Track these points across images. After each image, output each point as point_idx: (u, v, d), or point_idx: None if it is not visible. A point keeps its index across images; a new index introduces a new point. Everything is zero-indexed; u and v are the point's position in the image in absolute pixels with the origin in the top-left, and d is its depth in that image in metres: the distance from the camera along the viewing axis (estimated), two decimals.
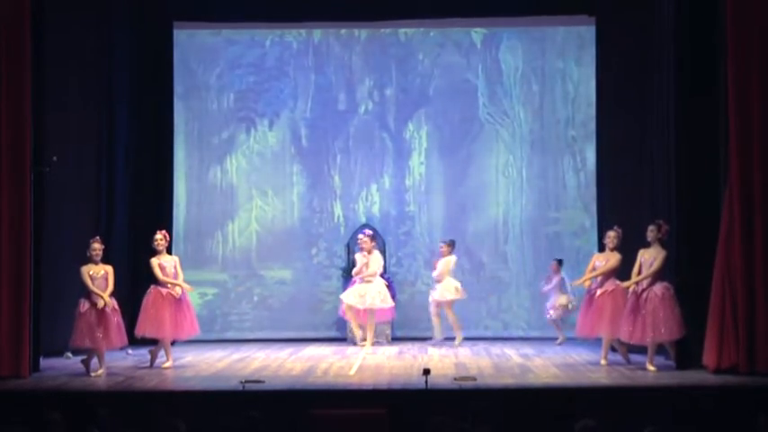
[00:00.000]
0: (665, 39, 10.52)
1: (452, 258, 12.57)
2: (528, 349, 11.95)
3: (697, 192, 10.05)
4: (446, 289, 12.46)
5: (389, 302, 12.13)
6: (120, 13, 12.58)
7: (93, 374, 9.83)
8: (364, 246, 12.08)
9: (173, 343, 10.74)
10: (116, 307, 10.12)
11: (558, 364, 10.53)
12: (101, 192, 12.19)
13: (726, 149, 9.55)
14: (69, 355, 10.98)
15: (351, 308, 11.98)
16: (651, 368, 9.78)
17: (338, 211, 13.76)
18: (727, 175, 9.47)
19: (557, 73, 13.68)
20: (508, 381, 9.34)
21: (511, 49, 13.73)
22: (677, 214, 10.21)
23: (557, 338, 12.48)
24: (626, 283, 10.08)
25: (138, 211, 12.67)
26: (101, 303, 9.90)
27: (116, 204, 12.39)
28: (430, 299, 12.64)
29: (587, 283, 10.54)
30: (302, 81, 13.79)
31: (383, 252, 12.83)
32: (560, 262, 12.76)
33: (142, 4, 12.95)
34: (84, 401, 8.41)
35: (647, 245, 10.02)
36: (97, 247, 10.12)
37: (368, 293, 11.88)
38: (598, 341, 10.73)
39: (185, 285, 10.66)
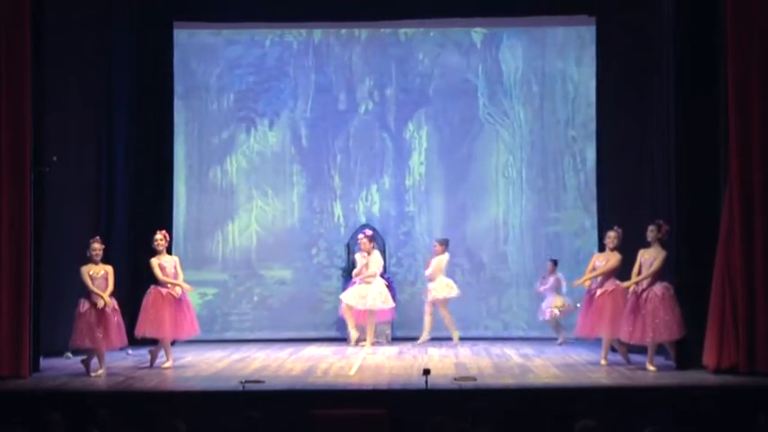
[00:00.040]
0: (665, 39, 10.51)
1: (445, 257, 12.57)
2: (528, 349, 11.95)
3: (697, 192, 10.05)
4: (439, 287, 12.46)
5: (390, 303, 12.13)
6: (120, 13, 12.58)
7: (93, 374, 9.83)
8: (363, 247, 12.08)
9: (173, 343, 10.74)
10: (116, 307, 10.12)
11: (558, 364, 10.53)
12: (101, 192, 12.19)
13: (726, 149, 9.54)
14: (69, 355, 10.98)
15: (350, 308, 11.97)
16: (651, 368, 9.78)
17: (338, 211, 13.76)
18: (727, 175, 9.47)
19: (557, 73, 13.68)
20: (508, 381, 9.34)
21: (511, 49, 13.74)
22: (677, 214, 10.21)
23: (557, 339, 12.47)
24: (626, 284, 10.08)
25: (138, 211, 12.67)
26: (101, 303, 9.89)
27: (116, 204, 12.39)
28: (424, 298, 12.64)
29: (587, 284, 10.54)
30: (302, 81, 13.80)
31: (383, 252, 12.84)
32: (555, 262, 12.76)
33: (142, 4, 12.95)
34: (84, 401, 8.41)
35: (647, 245, 10.01)
36: (97, 247, 10.11)
37: (368, 294, 11.88)
38: (598, 341, 10.73)
39: (185, 285, 10.66)
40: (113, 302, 10.07)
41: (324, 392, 8.91)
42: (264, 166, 13.81)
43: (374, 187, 13.79)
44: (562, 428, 7.02)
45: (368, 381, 9.49)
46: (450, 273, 13.24)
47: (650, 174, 11.21)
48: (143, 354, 11.08)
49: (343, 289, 12.69)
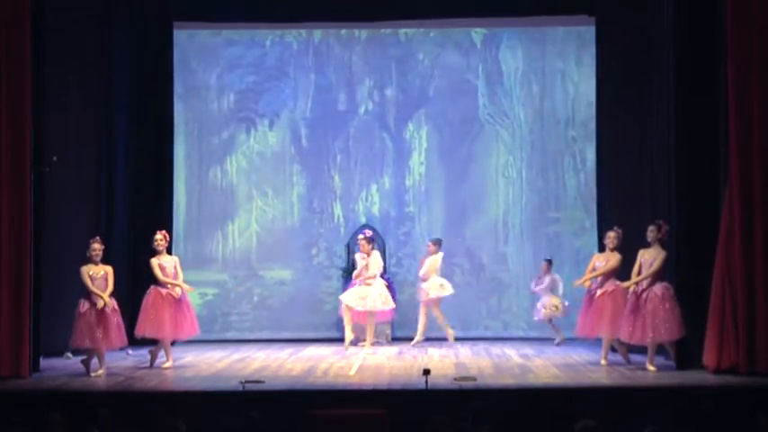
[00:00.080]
0: (665, 39, 10.51)
1: (439, 256, 12.58)
2: (528, 349, 11.95)
3: (697, 192, 10.05)
4: (432, 286, 12.46)
5: (390, 304, 12.12)
6: (120, 13, 12.57)
7: (93, 374, 9.82)
8: (362, 248, 12.06)
9: (173, 343, 10.73)
10: (116, 307, 10.11)
11: (558, 364, 10.53)
12: (101, 192, 12.19)
13: (726, 149, 9.54)
14: (69, 355, 10.98)
15: (349, 309, 11.96)
16: (651, 368, 9.78)
17: (338, 211, 13.76)
18: (727, 175, 9.47)
19: (557, 73, 13.69)
20: (508, 381, 9.34)
21: (511, 49, 13.74)
22: (677, 214, 10.21)
23: (554, 339, 12.47)
24: (626, 284, 10.08)
25: (138, 211, 12.66)
26: (100, 304, 9.89)
27: (116, 204, 12.39)
28: (417, 298, 12.63)
29: (587, 284, 10.54)
30: (302, 81, 13.80)
31: (383, 252, 12.83)
32: (550, 262, 12.76)
33: (142, 4, 12.94)
34: (84, 401, 8.41)
35: (647, 245, 10.01)
36: (97, 247, 10.11)
37: (368, 296, 11.87)
38: (598, 341, 10.73)
39: (185, 286, 10.66)
40: (113, 303, 10.07)
41: (324, 392, 8.90)
42: (264, 166, 13.82)
43: (374, 187, 13.79)
44: (562, 428, 7.02)
45: (368, 381, 9.49)
46: (449, 273, 13.27)
47: (650, 174, 11.21)
48: (143, 354, 11.07)
49: (343, 289, 12.69)
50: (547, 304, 12.50)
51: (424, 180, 13.78)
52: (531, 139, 13.68)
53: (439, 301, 12.53)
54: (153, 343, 10.71)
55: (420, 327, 12.55)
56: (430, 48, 13.80)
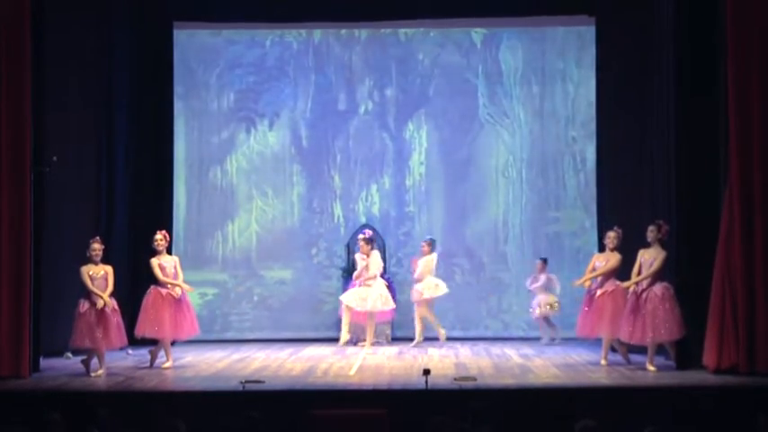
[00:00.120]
0: (665, 39, 10.51)
1: (434, 257, 12.57)
2: (528, 349, 11.95)
3: (697, 192, 10.05)
4: (427, 287, 12.45)
5: (391, 304, 12.12)
6: (120, 13, 12.58)
7: (93, 374, 9.83)
8: (362, 249, 12.05)
9: (173, 343, 10.73)
10: (116, 307, 10.11)
11: (558, 364, 10.53)
12: (101, 192, 12.19)
13: (726, 149, 9.54)
14: (69, 355, 10.97)
15: (349, 309, 11.95)
16: (651, 368, 9.77)
17: (338, 211, 13.76)
18: (727, 175, 9.47)
19: (557, 73, 13.68)
20: (508, 381, 9.34)
21: (511, 49, 13.74)
22: (677, 214, 10.21)
23: (545, 338, 12.46)
24: (626, 284, 10.07)
25: (138, 211, 12.66)
26: (100, 304, 9.89)
27: (116, 204, 12.39)
28: (412, 299, 12.59)
29: (587, 284, 10.54)
30: (302, 81, 13.80)
31: (383, 252, 12.83)
32: (545, 261, 12.76)
33: (142, 4, 12.94)
34: (84, 401, 8.41)
35: (647, 245, 10.01)
36: (97, 247, 10.11)
37: (369, 296, 11.86)
38: (598, 341, 10.73)
39: (185, 286, 10.66)
40: (113, 303, 10.07)
41: (324, 392, 8.90)
42: (264, 166, 13.81)
43: (374, 187, 13.79)
44: (562, 428, 7.02)
45: (368, 381, 9.49)
46: (449, 273, 13.29)
47: (650, 174, 11.20)
48: (143, 354, 11.07)
49: (343, 289, 12.69)
50: (542, 303, 12.51)
51: (424, 180, 13.78)
52: (531, 139, 13.68)
53: (431, 302, 12.51)
54: (153, 343, 10.71)
55: (418, 328, 12.54)
56: (430, 48, 13.80)
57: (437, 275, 12.76)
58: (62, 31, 11.24)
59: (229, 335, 13.44)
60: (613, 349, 10.46)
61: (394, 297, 12.33)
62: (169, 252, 10.96)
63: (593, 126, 13.09)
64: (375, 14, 13.24)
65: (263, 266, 13.73)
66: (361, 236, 12.23)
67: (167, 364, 10.45)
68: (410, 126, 13.80)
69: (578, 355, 11.18)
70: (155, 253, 10.62)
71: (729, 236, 9.37)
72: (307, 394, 8.79)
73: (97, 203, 12.15)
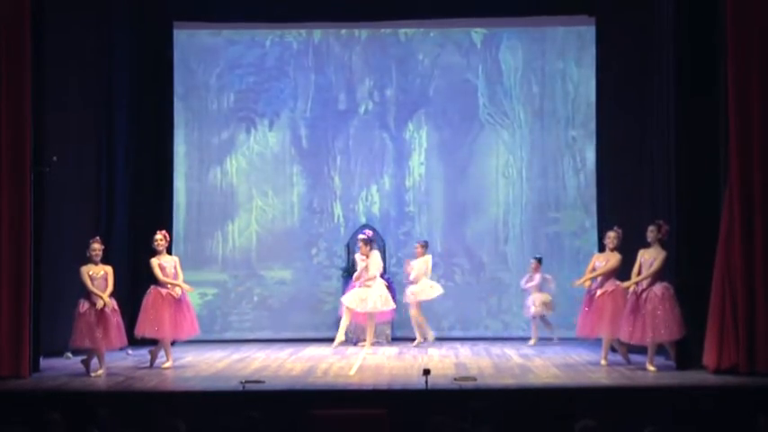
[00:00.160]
0: (665, 39, 10.51)
1: (429, 259, 12.58)
2: (528, 349, 11.96)
3: (697, 192, 10.05)
4: (423, 289, 12.45)
5: (391, 305, 12.10)
6: (120, 13, 12.58)
7: (93, 374, 9.82)
8: (361, 250, 12.04)
9: (173, 343, 10.73)
10: (116, 307, 10.11)
11: (558, 364, 10.53)
12: (101, 192, 12.19)
13: (726, 149, 9.54)
14: (69, 355, 10.98)
15: (349, 310, 11.93)
16: (651, 368, 9.77)
17: (338, 211, 13.76)
18: (727, 175, 9.47)
19: (557, 73, 13.69)
20: (508, 381, 9.34)
21: (511, 49, 13.74)
22: (677, 214, 10.21)
23: (537, 339, 12.47)
24: (626, 284, 10.07)
25: (138, 211, 12.66)
26: (100, 304, 9.89)
27: (116, 204, 12.39)
28: (406, 301, 12.56)
29: (587, 284, 10.54)
30: (302, 81, 13.80)
31: (383, 252, 12.83)
32: (539, 260, 12.76)
33: (142, 4, 12.94)
34: (84, 401, 8.41)
35: (647, 245, 10.01)
36: (97, 247, 10.11)
37: (369, 297, 11.84)
38: (598, 341, 10.73)
39: (185, 286, 10.66)
40: (113, 303, 10.07)
41: (324, 392, 8.90)
42: (264, 166, 13.82)
43: (374, 187, 13.79)
44: (562, 428, 7.02)
45: (368, 381, 9.48)
46: (449, 273, 13.31)
47: (650, 174, 11.20)
48: (143, 354, 11.08)
49: (343, 289, 12.69)
50: (536, 302, 12.51)
51: (424, 180, 13.78)
52: (531, 139, 13.68)
53: (420, 304, 12.51)
54: (153, 343, 10.71)
55: (426, 328, 12.54)
56: (430, 48, 13.80)
57: (437, 276, 12.74)
58: (62, 31, 11.24)
59: (229, 335, 13.45)
60: (613, 349, 10.46)
61: (394, 297, 12.32)
62: (169, 252, 10.96)
63: (593, 126, 13.10)
64: (375, 14, 13.24)
65: (263, 266, 13.73)
66: (360, 236, 12.22)
67: (167, 364, 10.45)
68: (410, 126, 13.80)
69: (578, 355, 11.18)
70: (155, 253, 10.62)
71: (729, 236, 9.37)
72: (307, 394, 8.79)
73: (97, 203, 12.15)
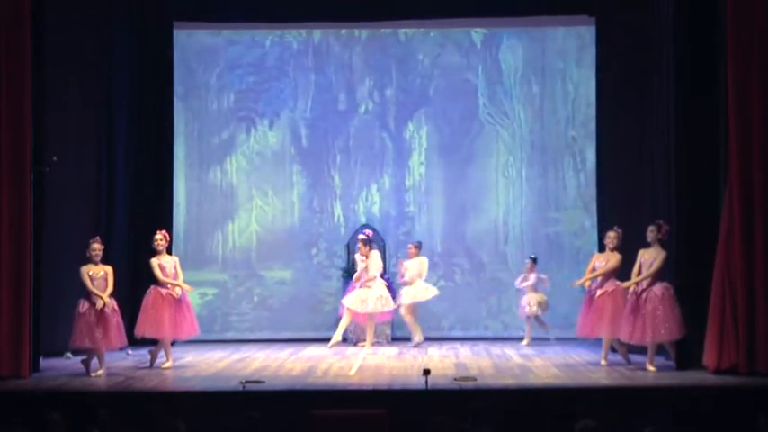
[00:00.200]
0: (665, 39, 10.51)
1: (425, 260, 12.57)
2: (528, 349, 11.96)
3: (697, 192, 10.05)
4: (418, 291, 12.44)
5: (391, 305, 12.08)
6: (120, 13, 12.58)
7: (93, 374, 9.82)
8: (360, 251, 12.03)
9: (173, 343, 10.73)
10: (116, 307, 10.11)
11: (558, 364, 10.53)
12: (101, 192, 12.19)
13: (726, 149, 9.54)
14: (69, 355, 10.98)
15: (350, 312, 11.92)
16: (651, 368, 9.77)
17: (338, 211, 13.76)
18: (727, 175, 9.47)
19: (557, 73, 13.69)
20: (508, 381, 9.34)
21: (511, 49, 13.74)
22: (677, 214, 10.21)
23: (530, 339, 12.47)
24: (626, 284, 10.07)
25: (138, 211, 12.67)
26: (100, 304, 9.89)
27: (116, 204, 12.39)
28: (401, 302, 12.53)
29: (587, 284, 10.54)
30: (302, 81, 13.80)
31: (383, 252, 12.82)
32: (535, 260, 12.75)
33: (142, 4, 12.95)
34: (84, 401, 8.41)
35: (647, 245, 10.01)
36: (97, 247, 10.11)
37: (369, 298, 11.83)
38: (598, 341, 10.73)
39: (185, 286, 10.65)
40: (113, 303, 10.07)
41: (324, 392, 8.90)
42: (264, 166, 13.82)
43: (374, 187, 13.79)
44: (562, 428, 7.02)
45: (368, 381, 9.48)
46: (449, 273, 13.30)
47: (650, 174, 11.20)
48: (143, 354, 11.08)
49: (344, 289, 12.69)
50: (531, 301, 12.51)
51: (424, 180, 13.78)
52: (531, 139, 13.68)
53: (412, 306, 12.51)
54: (153, 343, 10.71)
55: (416, 328, 12.54)
56: (430, 48, 13.80)
57: (437, 276, 12.73)
58: (62, 31, 11.24)
59: (229, 335, 13.45)
60: (613, 349, 10.46)
61: (394, 298, 12.31)
62: (169, 252, 10.96)
63: (593, 126, 13.10)
64: (375, 14, 13.24)
65: (263, 266, 13.73)
66: (359, 237, 12.21)
67: (167, 364, 10.45)
68: (410, 126, 13.80)
69: (578, 355, 11.18)
70: (155, 253, 10.62)
71: (729, 236, 9.37)
72: (307, 394, 8.79)
73: (97, 203, 12.15)
